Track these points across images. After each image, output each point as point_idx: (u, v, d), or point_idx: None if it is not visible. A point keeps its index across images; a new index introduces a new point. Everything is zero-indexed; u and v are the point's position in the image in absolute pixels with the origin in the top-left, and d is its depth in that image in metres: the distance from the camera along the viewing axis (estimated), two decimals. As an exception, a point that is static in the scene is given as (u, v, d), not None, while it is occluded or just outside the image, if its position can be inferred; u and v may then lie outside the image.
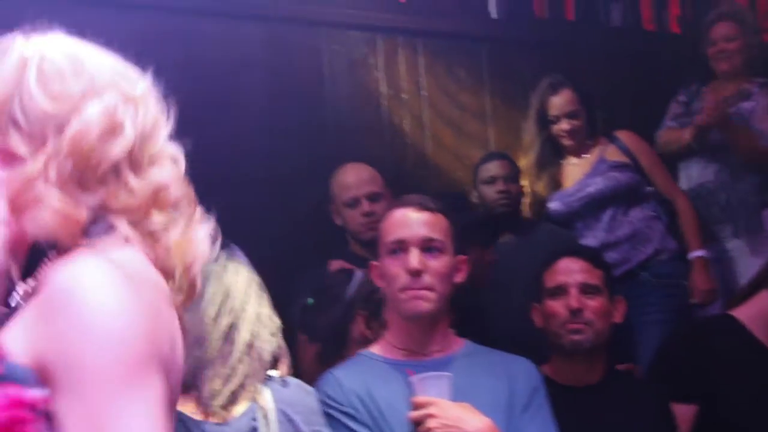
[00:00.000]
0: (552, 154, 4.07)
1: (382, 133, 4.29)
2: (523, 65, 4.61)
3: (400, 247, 2.40)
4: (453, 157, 4.41)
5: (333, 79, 4.21)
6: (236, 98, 3.93)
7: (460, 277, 2.47)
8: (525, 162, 4.14)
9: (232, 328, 1.94)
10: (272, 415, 1.94)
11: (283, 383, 2.06)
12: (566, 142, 4.03)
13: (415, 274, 2.36)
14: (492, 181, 3.98)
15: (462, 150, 4.42)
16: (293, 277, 3.25)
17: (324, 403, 2.29)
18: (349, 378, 2.38)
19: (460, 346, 2.48)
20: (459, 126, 4.46)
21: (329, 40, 4.23)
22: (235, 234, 1.94)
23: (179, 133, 4.16)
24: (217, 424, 1.91)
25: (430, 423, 2.22)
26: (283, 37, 4.10)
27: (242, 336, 1.95)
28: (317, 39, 4.20)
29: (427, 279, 2.36)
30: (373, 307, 2.80)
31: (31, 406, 0.91)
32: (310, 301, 2.90)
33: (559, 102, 4.01)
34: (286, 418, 1.98)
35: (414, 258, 2.37)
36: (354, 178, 3.72)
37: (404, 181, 4.06)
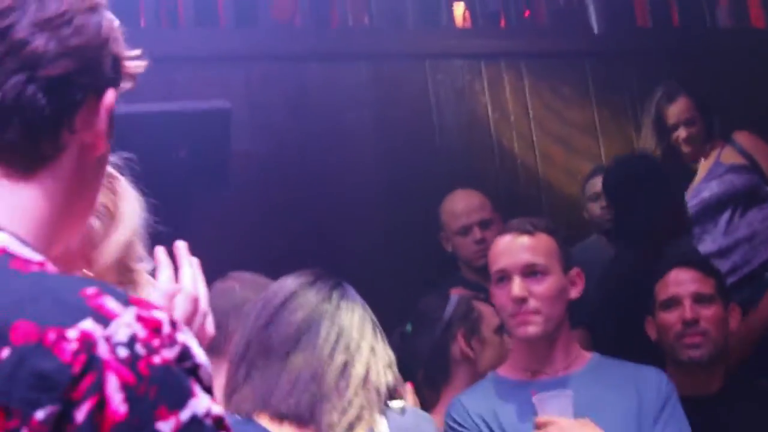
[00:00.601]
0: (673, 163, 4.04)
1: (492, 156, 4.35)
2: (629, 76, 4.60)
3: (504, 275, 2.46)
4: (565, 174, 4.43)
5: (440, 109, 4.30)
6: (347, 137, 4.07)
7: (575, 292, 2.49)
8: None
9: (347, 364, 1.97)
10: None
11: (401, 412, 2.04)
12: (685, 149, 3.99)
13: (520, 301, 2.41)
14: (596, 197, 3.99)
15: (573, 166, 4.44)
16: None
17: (450, 427, 2.39)
18: (473, 401, 2.45)
19: (587, 360, 2.51)
20: (568, 142, 4.48)
21: (433, 71, 4.32)
22: (350, 268, 2.04)
23: (296, 175, 4.34)
24: None
25: None
26: (388, 73, 4.23)
27: (357, 371, 1.97)
28: (421, 71, 4.30)
29: (532, 304, 2.40)
30: (470, 324, 2.86)
31: None
32: (409, 327, 2.98)
33: (676, 110, 3.97)
34: None
35: (516, 287, 2.42)
36: (464, 205, 3.74)
37: (517, 203, 4.11)
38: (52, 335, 0.80)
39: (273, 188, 3.89)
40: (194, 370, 0.85)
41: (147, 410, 0.80)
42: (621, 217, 3.53)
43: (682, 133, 3.95)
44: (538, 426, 2.28)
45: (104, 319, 0.82)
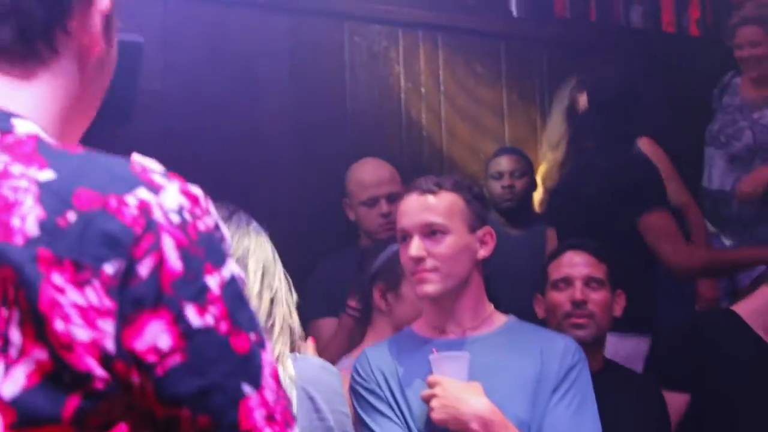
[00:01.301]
0: (575, 154, 4.11)
1: (400, 125, 4.36)
2: (541, 62, 4.68)
3: (406, 235, 2.46)
4: (469, 152, 4.48)
5: (353, 71, 4.29)
6: (260, 87, 4.02)
7: (485, 251, 2.47)
8: (550, 158, 4.18)
9: (272, 302, 1.91)
10: (292, 392, 1.91)
11: (304, 361, 2.03)
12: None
13: (417, 261, 2.41)
14: (499, 176, 4.06)
15: (478, 144, 4.49)
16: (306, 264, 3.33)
17: (353, 378, 2.42)
18: (378, 354, 2.47)
19: (500, 323, 2.50)
20: (476, 120, 4.53)
21: (351, 32, 4.31)
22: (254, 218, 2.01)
23: (203, 119, 4.30)
24: None
25: (432, 402, 2.28)
26: (307, 27, 4.19)
27: (281, 310, 1.93)
28: (339, 30, 4.28)
29: (429, 263, 2.40)
30: (392, 279, 2.88)
31: None
32: None
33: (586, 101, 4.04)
34: (306, 396, 1.96)
35: (413, 246, 2.41)
36: (373, 176, 3.68)
37: (419, 175, 4.13)
38: (113, 201, 0.91)
39: (179, 131, 3.81)
40: (224, 239, 0.97)
41: (198, 267, 0.92)
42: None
43: None
44: (429, 384, 2.31)
45: (155, 189, 0.93)
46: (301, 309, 2.05)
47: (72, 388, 0.88)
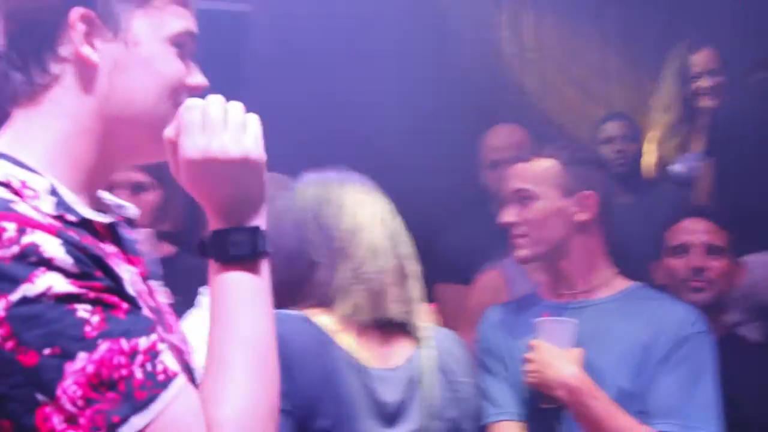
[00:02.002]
0: (689, 117, 4.01)
1: (506, 92, 4.31)
2: (653, 24, 4.55)
3: (505, 201, 2.51)
4: (577, 117, 4.40)
5: (459, 38, 4.25)
6: (367, 54, 4.01)
7: (585, 215, 2.43)
8: (662, 120, 4.08)
9: (398, 258, 1.92)
10: (432, 363, 1.93)
11: (438, 332, 2.04)
12: (707, 102, 3.94)
13: (510, 226, 2.45)
14: (610, 141, 3.98)
15: (586, 110, 4.41)
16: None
17: (476, 339, 2.47)
18: (499, 313, 2.52)
19: (619, 288, 2.45)
20: (584, 85, 4.44)
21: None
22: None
23: (311, 87, 4.30)
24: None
25: (526, 366, 2.29)
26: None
27: (412, 268, 1.96)
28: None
29: (521, 228, 2.43)
30: None
31: None
32: None
33: (701, 60, 3.93)
34: (442, 367, 1.95)
35: (505, 212, 2.47)
36: (500, 140, 3.65)
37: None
38: None
39: (289, 99, 3.83)
40: (41, 263, 1.06)
41: None
42: None
43: (705, 82, 3.92)
44: (530, 348, 2.31)
45: None
46: (425, 275, 2.04)
47: None
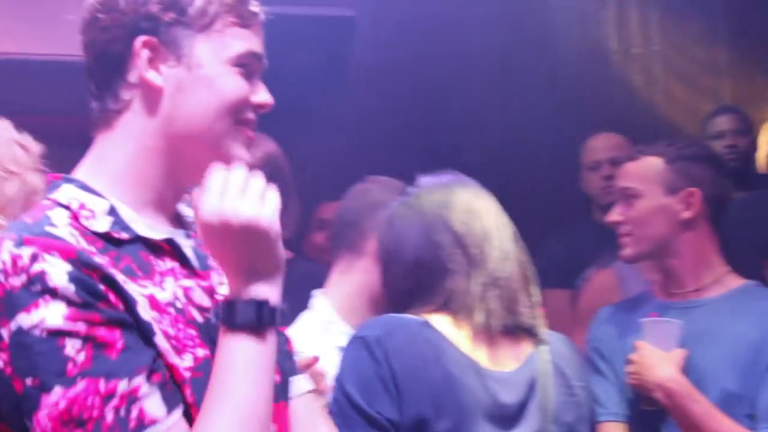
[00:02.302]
0: None
1: (612, 89, 4.26)
2: (765, 16, 4.43)
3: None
4: (686, 113, 4.32)
5: (563, 37, 4.22)
6: (468, 55, 4.03)
7: (689, 213, 2.38)
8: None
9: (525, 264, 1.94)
10: (547, 368, 1.90)
11: (552, 336, 2.00)
12: None
13: (616, 225, 2.44)
14: (720, 136, 3.88)
15: (695, 105, 4.32)
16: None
17: (590, 331, 2.48)
18: (613, 312, 2.50)
19: (731, 287, 2.39)
20: (693, 80, 4.35)
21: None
22: None
23: (415, 90, 4.32)
24: None
25: (628, 367, 2.28)
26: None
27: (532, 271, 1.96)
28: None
29: (625, 227, 2.42)
30: None
31: None
32: None
33: None
34: (558, 371, 1.92)
35: (611, 212, 2.47)
36: (600, 142, 3.63)
37: (633, 140, 4.03)
38: None
39: (393, 102, 3.88)
40: (44, 292, 1.14)
41: None
42: None
43: None
44: (634, 348, 2.29)
45: None
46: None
47: None
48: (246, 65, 1.34)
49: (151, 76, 1.30)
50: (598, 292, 3.09)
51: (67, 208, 1.26)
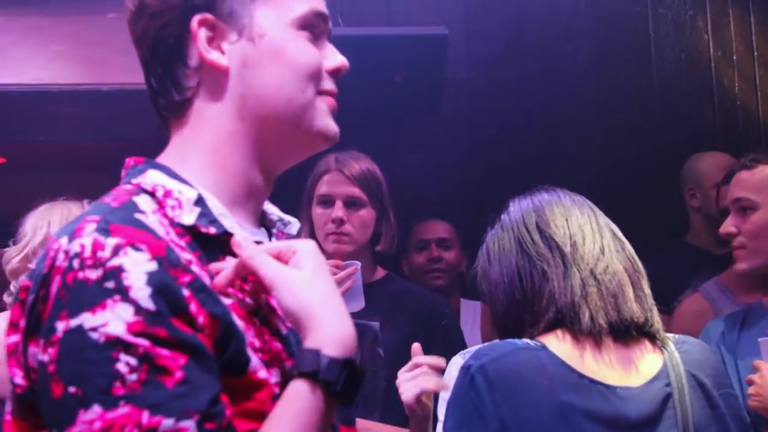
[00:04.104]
0: None
1: (711, 96, 4.18)
2: None
3: (725, 211, 2.45)
4: (790, 119, 4.21)
5: (659, 44, 4.17)
6: (562, 69, 4.01)
7: None
8: None
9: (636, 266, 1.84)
10: (681, 380, 1.76)
11: (686, 343, 1.85)
12: None
13: (730, 237, 2.39)
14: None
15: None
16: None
17: None
18: (723, 323, 2.43)
19: None
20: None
21: (655, 4, 4.18)
22: None
23: (507, 105, 4.34)
24: None
25: (750, 389, 2.18)
26: (608, 3, 4.12)
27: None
28: (642, 3, 4.17)
29: (738, 239, 2.37)
30: None
31: None
32: None
33: None
34: (696, 382, 1.76)
35: (724, 223, 2.41)
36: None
37: (736, 147, 3.94)
38: (50, 245, 1.08)
39: (484, 118, 3.89)
40: (115, 291, 1.01)
41: (57, 308, 1.02)
42: None
43: None
44: (754, 368, 2.21)
45: (73, 236, 1.06)
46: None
47: (12, 392, 1.09)
48: (313, 27, 1.24)
49: (215, 56, 1.20)
50: (690, 318, 3.03)
51: (151, 194, 1.15)
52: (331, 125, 1.25)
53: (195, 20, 1.19)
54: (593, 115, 4.00)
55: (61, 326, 1.01)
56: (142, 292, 1.01)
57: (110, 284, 1.01)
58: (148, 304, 1.01)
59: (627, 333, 1.69)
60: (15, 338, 1.08)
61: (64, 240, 1.06)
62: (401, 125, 3.76)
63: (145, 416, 0.97)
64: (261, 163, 1.23)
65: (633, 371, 1.67)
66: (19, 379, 1.07)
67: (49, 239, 1.14)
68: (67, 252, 1.04)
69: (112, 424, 0.97)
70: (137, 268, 1.02)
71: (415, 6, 3.89)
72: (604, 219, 1.80)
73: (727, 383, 1.78)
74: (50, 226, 2.66)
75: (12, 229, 3.36)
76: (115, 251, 1.03)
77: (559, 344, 1.65)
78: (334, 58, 1.26)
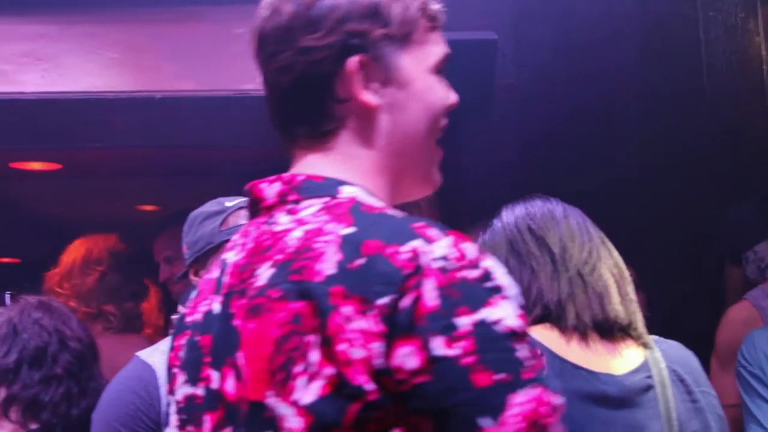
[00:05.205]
0: None
1: (763, 99, 4.14)
2: None
3: None
4: None
5: (709, 47, 4.14)
6: (610, 73, 3.99)
7: None
8: None
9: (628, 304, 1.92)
10: (663, 374, 1.88)
11: (665, 343, 1.99)
12: None
13: None
14: None
15: None
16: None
17: (738, 361, 2.40)
18: (765, 337, 2.41)
19: None
20: None
21: (705, 6, 4.15)
22: (602, 212, 2.00)
23: (555, 110, 4.33)
24: None
25: None
26: (656, 6, 4.10)
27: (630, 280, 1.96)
28: (692, 5, 4.15)
29: None
30: None
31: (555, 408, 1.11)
32: None
33: None
34: (677, 378, 1.90)
35: None
36: None
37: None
38: (391, 249, 1.11)
39: (533, 123, 3.89)
40: (496, 290, 1.10)
41: (450, 306, 1.07)
42: None
43: None
44: None
45: (429, 240, 1.11)
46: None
47: (351, 399, 1.08)
48: (442, 69, 1.35)
49: (368, 96, 1.29)
50: (739, 326, 3.00)
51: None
52: (438, 178, 1.39)
53: (354, 61, 1.28)
54: (641, 119, 3.98)
55: (466, 320, 1.07)
56: (512, 290, 1.12)
57: (489, 284, 1.10)
58: (521, 300, 1.13)
59: (611, 331, 1.82)
60: (368, 347, 1.08)
61: (419, 244, 1.11)
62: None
63: (549, 396, 1.09)
64: (390, 201, 1.32)
65: (616, 361, 1.80)
66: (370, 386, 1.08)
67: (366, 245, 1.12)
68: (430, 254, 1.10)
69: (537, 404, 1.07)
70: (499, 269, 1.13)
71: (464, 11, 3.90)
72: (594, 228, 1.91)
73: (704, 383, 1.89)
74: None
75: (68, 231, 3.43)
76: (479, 253, 1.12)
77: (545, 333, 1.78)
78: (452, 95, 1.38)
